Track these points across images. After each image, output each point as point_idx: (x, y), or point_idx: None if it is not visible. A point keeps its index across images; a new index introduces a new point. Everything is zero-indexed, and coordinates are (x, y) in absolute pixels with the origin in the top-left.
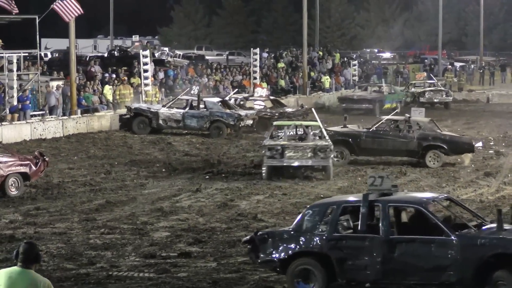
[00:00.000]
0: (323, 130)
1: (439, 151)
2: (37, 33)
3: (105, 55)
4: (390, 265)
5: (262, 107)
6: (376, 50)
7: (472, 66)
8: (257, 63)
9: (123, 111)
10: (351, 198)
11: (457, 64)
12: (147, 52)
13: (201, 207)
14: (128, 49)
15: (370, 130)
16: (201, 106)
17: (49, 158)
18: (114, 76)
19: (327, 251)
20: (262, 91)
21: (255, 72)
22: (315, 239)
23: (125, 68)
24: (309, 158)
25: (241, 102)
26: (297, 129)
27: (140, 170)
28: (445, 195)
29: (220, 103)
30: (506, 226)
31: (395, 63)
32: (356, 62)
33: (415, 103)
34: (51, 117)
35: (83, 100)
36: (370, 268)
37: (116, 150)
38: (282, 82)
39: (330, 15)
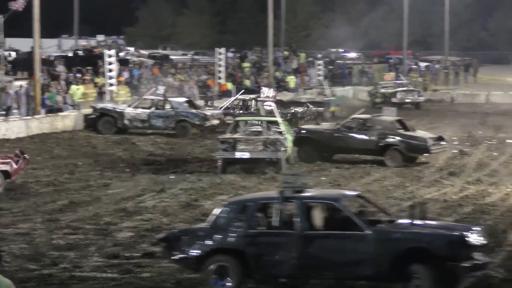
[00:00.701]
0: (282, 126)
1: (395, 150)
2: (2, 33)
3: (69, 54)
4: (305, 260)
5: (273, 108)
6: (341, 50)
7: (437, 66)
8: (222, 62)
9: (87, 111)
10: (267, 195)
11: (422, 64)
12: (112, 52)
13: (165, 207)
14: (93, 49)
15: (334, 128)
16: (167, 106)
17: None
18: (79, 75)
19: (243, 248)
20: (268, 91)
21: (220, 71)
22: (231, 236)
23: (90, 67)
24: (260, 151)
25: (249, 103)
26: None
27: (104, 170)
28: (357, 192)
29: (186, 103)
30: (417, 222)
31: (360, 63)
32: (321, 62)
33: (386, 104)
34: (15, 117)
35: (47, 100)
36: (285, 264)
37: (80, 150)
38: (247, 82)
39: (296, 15)
